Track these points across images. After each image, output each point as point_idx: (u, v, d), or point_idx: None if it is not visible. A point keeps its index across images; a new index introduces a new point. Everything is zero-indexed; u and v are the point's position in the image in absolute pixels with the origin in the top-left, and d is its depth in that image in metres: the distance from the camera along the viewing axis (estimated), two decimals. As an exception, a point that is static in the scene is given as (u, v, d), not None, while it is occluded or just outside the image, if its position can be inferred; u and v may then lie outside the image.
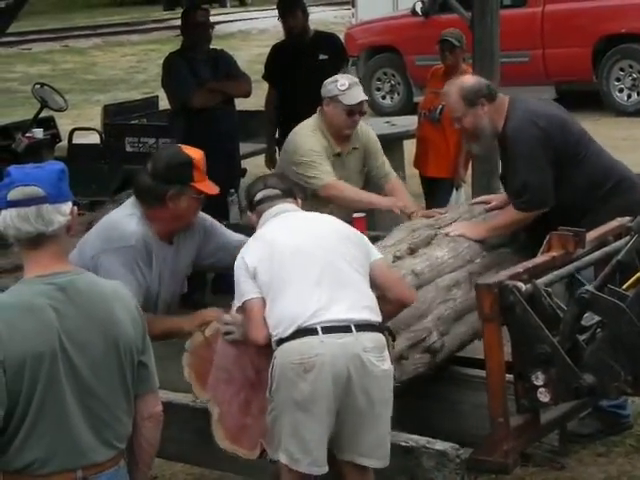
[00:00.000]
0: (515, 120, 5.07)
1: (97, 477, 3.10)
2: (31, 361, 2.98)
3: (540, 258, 4.43)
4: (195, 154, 4.34)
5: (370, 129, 5.97)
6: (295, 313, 3.88)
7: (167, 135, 9.08)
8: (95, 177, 9.20)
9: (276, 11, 7.94)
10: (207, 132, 7.01)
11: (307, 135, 5.68)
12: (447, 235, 5.01)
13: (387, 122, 9.63)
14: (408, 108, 14.12)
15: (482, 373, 4.22)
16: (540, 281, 4.09)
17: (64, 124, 11.40)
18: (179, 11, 23.96)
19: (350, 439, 3.93)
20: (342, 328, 3.87)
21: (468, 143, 5.53)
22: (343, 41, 9.09)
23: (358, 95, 5.59)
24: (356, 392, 3.86)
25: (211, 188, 4.35)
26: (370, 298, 4.02)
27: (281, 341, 3.88)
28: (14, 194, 3.06)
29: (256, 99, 8.14)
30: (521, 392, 4.03)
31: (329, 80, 5.68)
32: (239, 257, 4.11)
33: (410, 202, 5.68)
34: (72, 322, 3.06)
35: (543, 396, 3.97)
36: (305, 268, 3.97)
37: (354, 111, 5.60)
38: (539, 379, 3.95)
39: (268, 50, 8.21)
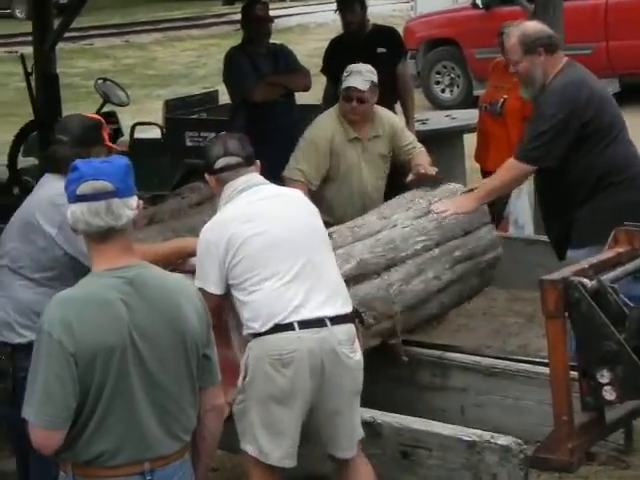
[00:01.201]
0: (561, 79, 5.15)
1: (163, 469, 3.12)
2: (102, 354, 3.01)
3: (606, 254, 4.37)
4: (98, 117, 4.46)
5: (392, 116, 6.23)
6: (272, 309, 3.94)
7: (227, 129, 9.12)
8: (156, 171, 9.28)
9: (335, 5, 7.92)
10: (267, 126, 7.04)
11: (321, 121, 6.09)
12: (432, 213, 5.19)
13: (447, 116, 9.58)
14: (468, 101, 14.02)
15: (546, 370, 4.18)
16: (606, 277, 4.04)
17: (125, 119, 11.48)
18: (238, 6, 24.14)
19: (330, 433, 4.03)
20: (317, 322, 3.94)
21: (521, 85, 5.63)
22: (402, 34, 9.04)
23: (352, 81, 5.89)
24: (331, 385, 3.96)
25: (116, 145, 4.54)
26: (342, 286, 4.12)
27: (257, 335, 3.95)
28: (84, 188, 3.08)
29: (314, 93, 8.13)
30: (586, 390, 3.99)
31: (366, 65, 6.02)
32: (207, 234, 4.08)
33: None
34: (141, 315, 3.08)
35: (609, 394, 3.93)
36: (282, 261, 3.99)
37: (350, 97, 5.88)
38: (605, 377, 3.91)
39: (326, 44, 8.19)
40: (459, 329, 5.98)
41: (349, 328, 4.04)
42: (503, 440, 3.95)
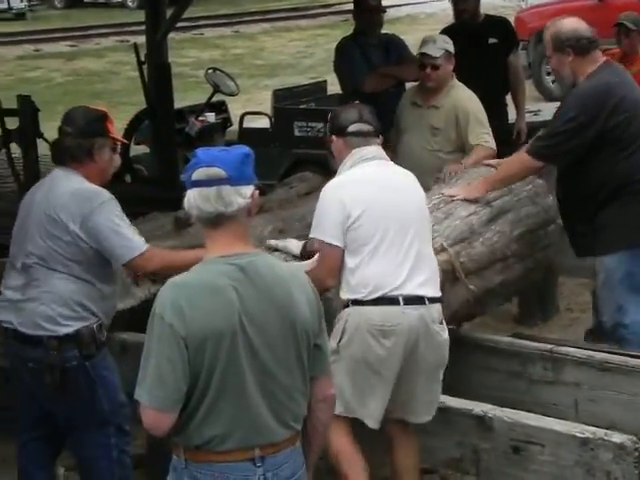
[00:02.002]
0: (590, 82, 5.15)
1: (274, 456, 3.13)
2: (212, 339, 3.03)
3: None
4: (104, 109, 4.47)
5: (464, 94, 6.14)
6: (383, 281, 4.09)
7: (336, 119, 9.13)
8: (264, 161, 9.27)
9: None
10: (379, 116, 6.99)
11: (405, 94, 6.54)
12: (445, 196, 5.24)
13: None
14: (579, 93, 13.77)
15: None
16: None
17: (234, 108, 11.58)
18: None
19: (406, 400, 4.17)
20: (419, 299, 4.14)
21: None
22: (513, 25, 8.91)
23: (425, 48, 6.09)
24: (421, 358, 4.14)
25: (122, 138, 4.56)
26: (437, 273, 4.30)
27: (359, 302, 4.08)
28: (198, 174, 3.13)
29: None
30: None
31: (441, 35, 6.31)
32: (333, 191, 4.19)
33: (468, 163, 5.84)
34: (252, 303, 3.09)
35: None
36: (398, 237, 4.14)
37: (424, 64, 6.10)
38: None
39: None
40: (571, 323, 5.89)
41: (440, 308, 4.23)
42: (617, 437, 3.87)
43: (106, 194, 4.27)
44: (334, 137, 4.33)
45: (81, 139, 4.28)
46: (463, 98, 6.14)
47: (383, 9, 7.64)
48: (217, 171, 3.12)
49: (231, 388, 3.07)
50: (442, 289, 4.36)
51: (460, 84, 6.26)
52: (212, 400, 3.06)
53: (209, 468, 3.10)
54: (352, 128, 4.30)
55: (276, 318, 3.13)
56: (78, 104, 4.85)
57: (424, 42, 6.20)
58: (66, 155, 4.31)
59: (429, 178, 5.79)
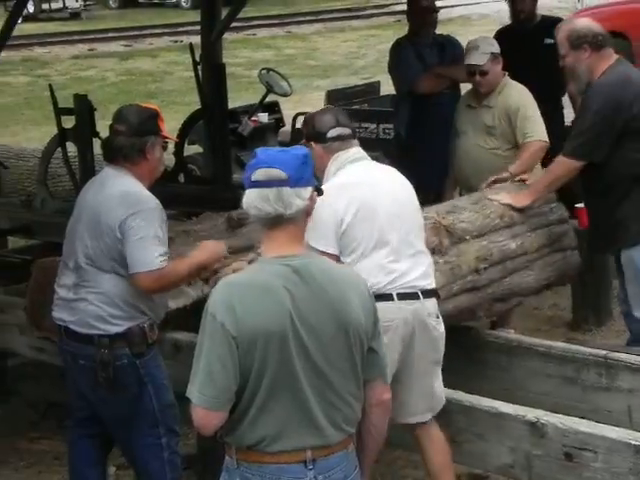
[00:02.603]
0: (608, 77, 5.29)
1: (326, 459, 3.12)
2: (263, 339, 3.03)
3: None
4: (155, 107, 4.47)
5: (514, 91, 6.17)
6: (376, 278, 4.05)
7: (388, 120, 9.10)
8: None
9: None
10: (432, 117, 7.00)
11: (462, 97, 6.54)
12: (492, 200, 5.33)
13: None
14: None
15: None
16: None
17: (286, 109, 11.60)
18: (401, -3, 23.65)
19: (404, 400, 4.13)
20: (412, 295, 4.15)
21: (568, 79, 5.91)
22: (570, 26, 8.83)
23: (470, 58, 6.18)
24: (416, 352, 4.16)
25: (172, 135, 4.56)
26: (432, 266, 4.32)
27: None
28: (258, 174, 3.13)
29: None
30: None
31: (483, 36, 6.39)
32: (325, 198, 3.91)
33: (515, 169, 5.82)
34: (304, 304, 3.08)
35: None
36: (390, 233, 4.14)
37: (472, 72, 6.17)
38: None
39: (489, 35, 8.09)
40: (625, 329, 5.81)
41: (435, 302, 4.27)
42: (673, 446, 3.81)
43: (151, 202, 4.24)
44: (313, 144, 4.25)
45: (134, 138, 4.29)
46: (513, 95, 6.15)
47: (436, 9, 7.62)
48: (277, 172, 3.12)
49: (282, 389, 3.06)
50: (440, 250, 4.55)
51: (512, 82, 6.26)
52: (263, 400, 3.06)
53: (260, 469, 3.09)
54: (331, 133, 4.24)
55: (329, 320, 3.12)
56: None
57: (468, 51, 6.27)
58: (119, 154, 4.32)
59: (488, 176, 5.84)
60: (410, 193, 4.36)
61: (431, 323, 4.22)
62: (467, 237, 5.02)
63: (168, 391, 4.37)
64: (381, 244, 4.13)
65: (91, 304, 4.23)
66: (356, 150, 4.30)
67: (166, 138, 4.45)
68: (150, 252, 4.14)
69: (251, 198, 3.14)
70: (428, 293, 4.23)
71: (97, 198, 4.29)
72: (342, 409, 3.15)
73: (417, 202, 4.39)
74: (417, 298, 4.17)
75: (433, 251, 4.76)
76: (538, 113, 6.11)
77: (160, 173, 4.50)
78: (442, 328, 4.28)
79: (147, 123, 4.35)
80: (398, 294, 4.11)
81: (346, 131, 4.28)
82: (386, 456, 4.91)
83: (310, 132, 4.30)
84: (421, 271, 4.22)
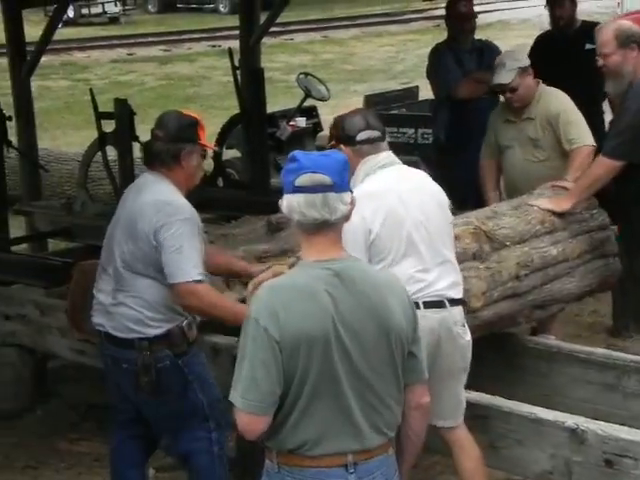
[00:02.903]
0: None
1: (367, 463, 3.12)
2: (306, 343, 3.04)
3: None
4: (197, 115, 4.48)
5: (553, 98, 6.10)
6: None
7: (426, 125, 9.11)
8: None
9: (537, 0, 7.79)
10: (471, 122, 6.97)
11: (494, 111, 6.40)
12: (532, 206, 5.31)
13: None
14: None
15: None
16: None
17: (323, 113, 11.62)
18: (438, 1, 23.89)
19: (433, 406, 4.00)
20: (439, 303, 4.12)
21: (607, 80, 5.81)
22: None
23: (497, 78, 6.10)
24: (443, 361, 4.13)
25: (215, 142, 4.37)
26: (460, 275, 4.29)
27: None
28: (303, 180, 3.12)
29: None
30: None
31: (508, 50, 6.38)
32: (360, 205, 3.90)
33: (571, 176, 5.72)
34: (346, 308, 3.09)
35: None
36: (419, 242, 4.10)
37: (501, 91, 6.15)
38: None
39: (528, 40, 8.08)
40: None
41: (461, 310, 4.24)
42: None
43: (186, 212, 4.25)
44: (342, 146, 4.19)
45: (171, 144, 4.32)
46: (551, 101, 6.09)
47: (475, 15, 7.60)
48: (322, 177, 3.11)
49: (325, 393, 3.07)
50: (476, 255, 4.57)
51: (548, 89, 6.20)
52: (305, 404, 3.07)
53: (301, 473, 3.10)
54: (361, 136, 4.17)
55: (370, 324, 3.12)
56: (170, 108, 4.90)
57: (494, 70, 6.16)
58: (156, 159, 4.35)
59: (530, 187, 5.80)
60: (440, 200, 4.29)
61: (457, 331, 4.19)
62: (508, 243, 4.99)
63: (214, 386, 4.39)
64: (409, 253, 4.09)
65: (130, 308, 4.26)
66: (386, 155, 4.23)
67: (205, 147, 4.46)
68: (187, 262, 4.14)
69: (295, 203, 3.12)
70: (455, 302, 4.19)
71: (135, 204, 4.32)
72: (383, 413, 3.15)
73: (448, 210, 4.33)
74: (444, 307, 4.14)
75: (474, 256, 4.76)
76: (580, 116, 6.03)
77: (198, 181, 4.51)
78: (468, 336, 4.24)
79: (185, 130, 4.37)
80: (424, 302, 4.07)
81: (375, 134, 4.20)
82: (424, 461, 4.91)
83: (339, 134, 4.24)
84: (449, 280, 4.19)
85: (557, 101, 6.11)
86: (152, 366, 4.23)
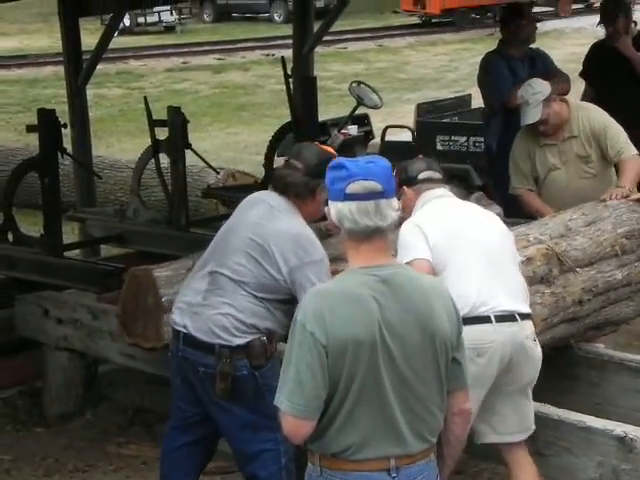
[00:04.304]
0: None
1: (409, 468, 3.12)
2: (352, 348, 3.04)
3: None
4: (332, 151, 4.52)
5: (591, 113, 6.10)
6: (471, 299, 4.06)
7: (478, 134, 9.07)
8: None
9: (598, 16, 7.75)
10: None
11: (518, 137, 6.29)
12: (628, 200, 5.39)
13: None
14: None
15: None
16: None
17: (375, 122, 11.61)
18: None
19: (498, 419, 4.14)
20: (510, 317, 4.13)
21: None
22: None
23: (526, 119, 6.06)
24: (514, 374, 4.14)
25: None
26: (527, 291, 4.30)
27: None
28: (354, 187, 3.12)
29: (571, 98, 7.96)
30: None
31: (525, 84, 6.19)
32: (411, 226, 4.21)
33: (628, 183, 5.73)
34: (392, 314, 3.09)
35: None
36: (479, 258, 4.14)
37: (534, 128, 6.06)
38: None
39: (583, 49, 8.04)
40: None
41: (532, 325, 4.25)
42: None
43: (321, 253, 4.31)
44: (405, 188, 4.38)
45: (309, 178, 4.36)
46: (593, 116, 6.07)
47: (535, 22, 7.53)
48: (374, 184, 3.12)
49: (369, 397, 3.07)
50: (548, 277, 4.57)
51: (582, 104, 6.26)
52: (350, 409, 3.07)
53: (344, 477, 3.11)
54: (422, 176, 4.41)
55: (416, 330, 3.12)
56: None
57: (522, 113, 6.12)
58: (291, 189, 4.38)
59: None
60: (498, 224, 4.40)
61: (529, 345, 4.18)
62: (578, 269, 4.91)
63: None
64: (471, 268, 4.12)
65: (219, 313, 4.27)
66: (443, 190, 4.40)
67: None
68: None
69: (346, 211, 3.12)
70: (525, 316, 4.20)
71: (266, 224, 4.33)
72: (426, 419, 3.15)
73: (506, 230, 4.41)
74: (515, 320, 4.14)
75: (541, 280, 4.72)
76: (620, 127, 6.02)
77: (319, 216, 4.53)
78: (539, 350, 4.24)
79: (324, 166, 4.38)
80: (496, 316, 4.08)
81: (436, 175, 4.42)
82: (471, 468, 4.91)
83: (402, 178, 4.40)
84: (517, 295, 4.21)
85: (598, 115, 6.10)
86: (230, 374, 4.23)
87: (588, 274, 4.99)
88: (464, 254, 4.14)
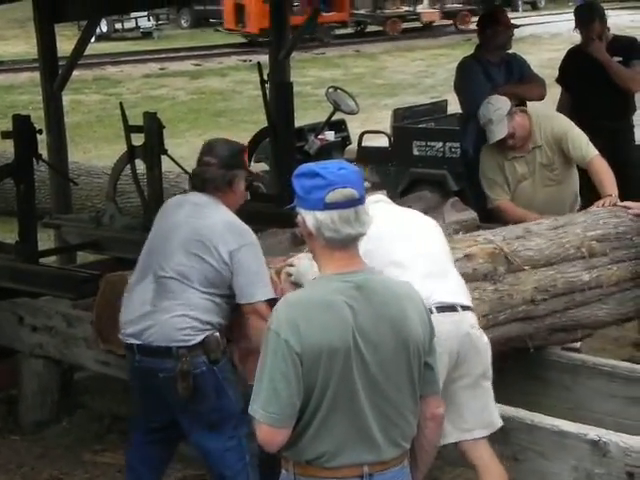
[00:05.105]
0: None
1: (382, 474, 3.12)
2: (326, 356, 3.04)
3: None
4: (241, 143, 4.69)
5: (552, 121, 6.18)
6: None
7: (455, 139, 9.09)
8: (383, 179, 9.33)
9: (569, 15, 7.76)
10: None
11: (484, 153, 6.39)
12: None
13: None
14: None
15: None
16: None
17: (352, 127, 11.65)
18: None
19: (455, 418, 4.08)
20: (450, 308, 4.12)
21: None
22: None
23: (493, 136, 6.15)
24: (462, 365, 4.11)
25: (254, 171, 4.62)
26: (465, 287, 4.30)
27: None
28: (335, 196, 3.09)
29: (547, 103, 8.00)
30: None
31: (484, 103, 6.27)
32: None
33: (613, 191, 5.70)
34: (366, 320, 3.09)
35: None
36: (416, 257, 4.15)
37: (502, 144, 6.15)
38: None
39: (559, 54, 8.06)
40: None
41: (474, 315, 4.25)
42: None
43: (254, 236, 4.46)
44: None
45: (224, 170, 4.47)
46: (553, 124, 6.16)
47: (512, 28, 7.55)
48: (352, 192, 3.10)
49: (343, 405, 3.07)
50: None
51: (541, 113, 6.30)
52: (324, 416, 3.07)
53: (318, 483, 3.11)
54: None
55: (390, 336, 3.12)
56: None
57: (486, 129, 6.22)
58: (210, 184, 4.49)
59: (565, 208, 5.94)
60: (430, 222, 4.45)
61: (476, 334, 4.17)
62: (526, 267, 4.89)
63: (241, 396, 4.43)
64: (408, 264, 4.11)
65: (174, 316, 4.33)
66: (379, 196, 4.44)
67: (250, 173, 4.65)
68: (264, 283, 4.36)
69: (328, 221, 3.10)
70: (466, 307, 4.21)
71: (197, 221, 4.43)
72: (399, 424, 3.15)
73: (440, 230, 4.45)
74: (456, 310, 4.15)
75: (485, 277, 4.73)
76: (580, 130, 6.10)
77: (240, 206, 4.65)
78: (486, 339, 4.22)
79: (236, 157, 4.56)
80: (437, 307, 4.06)
81: (367, 185, 4.42)
82: (446, 474, 4.91)
83: None
84: (456, 288, 4.23)
85: (558, 122, 6.19)
86: (189, 373, 4.30)
87: (545, 274, 4.98)
88: (402, 255, 4.14)
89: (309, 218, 3.13)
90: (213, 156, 4.52)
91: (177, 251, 4.39)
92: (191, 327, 4.32)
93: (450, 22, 31.19)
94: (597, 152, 5.98)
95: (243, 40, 28.78)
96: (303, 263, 4.38)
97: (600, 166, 5.92)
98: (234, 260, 4.33)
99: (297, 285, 4.32)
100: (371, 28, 30.70)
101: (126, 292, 4.53)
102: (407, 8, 31.64)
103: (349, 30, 30.81)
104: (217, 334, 4.36)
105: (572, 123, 6.13)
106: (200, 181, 4.53)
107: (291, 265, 4.48)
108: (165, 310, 4.34)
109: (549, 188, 6.20)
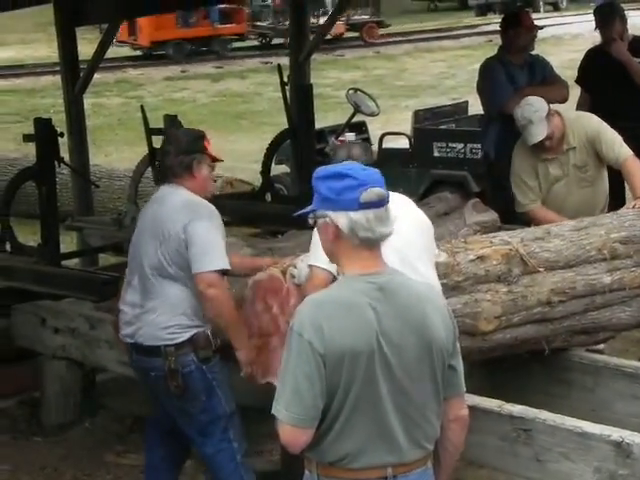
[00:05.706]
0: None
1: (406, 476, 3.12)
2: (349, 357, 3.03)
3: None
4: (200, 130, 4.73)
5: (584, 122, 6.15)
6: None
7: (476, 140, 9.09)
8: (403, 180, 9.35)
9: (590, 16, 7.73)
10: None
11: (517, 154, 6.29)
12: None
13: None
14: None
15: None
16: None
17: (373, 129, 11.65)
18: (490, 17, 23.71)
19: None
20: None
21: None
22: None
23: (531, 139, 6.07)
24: None
25: (219, 155, 4.67)
26: (438, 284, 4.19)
27: None
28: (369, 196, 3.07)
29: (568, 104, 7.98)
30: None
31: (522, 104, 6.19)
32: None
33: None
34: (389, 322, 3.09)
35: None
36: (390, 254, 3.89)
37: (539, 146, 6.07)
38: None
39: (580, 55, 8.03)
40: None
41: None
42: None
43: (211, 207, 4.47)
44: None
45: (182, 156, 4.50)
46: (585, 125, 6.13)
47: (536, 28, 7.53)
48: (382, 191, 3.10)
49: (366, 406, 3.07)
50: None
51: (574, 114, 6.31)
52: (347, 417, 3.07)
53: (341, 485, 3.11)
54: None
55: (413, 338, 3.11)
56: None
57: (525, 130, 6.14)
58: (169, 172, 4.54)
59: (597, 209, 5.94)
60: (411, 220, 4.24)
61: None
62: (541, 269, 4.82)
63: (233, 398, 4.50)
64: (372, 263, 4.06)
65: (160, 315, 4.40)
66: None
67: (212, 157, 4.63)
68: (216, 253, 4.35)
69: (363, 220, 3.07)
70: None
71: (159, 212, 4.50)
72: (423, 426, 3.15)
73: (422, 227, 4.31)
74: None
75: (498, 279, 4.69)
76: (612, 129, 6.07)
77: (210, 191, 4.70)
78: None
79: (194, 142, 4.57)
80: None
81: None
82: (469, 473, 4.90)
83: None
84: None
85: (590, 123, 6.15)
86: (178, 371, 4.36)
87: (563, 276, 4.92)
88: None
89: (342, 219, 3.09)
90: (171, 144, 4.58)
91: (147, 247, 4.46)
92: (177, 325, 4.37)
93: (357, 34, 30.39)
94: (631, 153, 5.94)
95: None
96: (302, 266, 4.37)
97: (633, 167, 5.89)
98: (187, 233, 4.35)
99: (299, 286, 4.33)
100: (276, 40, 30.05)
101: (122, 293, 4.63)
102: (312, 20, 31.07)
103: (255, 42, 30.46)
104: (207, 332, 4.39)
105: (604, 123, 6.08)
106: (162, 172, 4.59)
107: (294, 266, 4.47)
108: (152, 310, 4.42)
109: (583, 190, 6.17)
